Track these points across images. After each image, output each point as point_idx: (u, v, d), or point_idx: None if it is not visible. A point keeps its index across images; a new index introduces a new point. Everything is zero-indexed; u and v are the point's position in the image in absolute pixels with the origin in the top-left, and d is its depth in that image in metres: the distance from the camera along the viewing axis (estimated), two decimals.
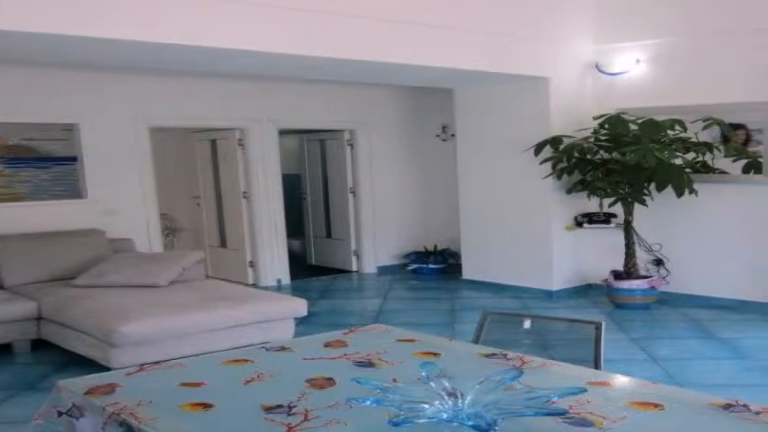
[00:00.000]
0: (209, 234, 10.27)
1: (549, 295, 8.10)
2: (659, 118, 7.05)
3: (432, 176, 10.48)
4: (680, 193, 6.92)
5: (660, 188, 7.05)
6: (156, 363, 2.86)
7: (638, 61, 7.74)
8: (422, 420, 1.81)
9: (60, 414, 2.39)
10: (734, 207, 7.26)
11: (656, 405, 2.11)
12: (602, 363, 2.75)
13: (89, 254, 7.05)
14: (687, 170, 7.08)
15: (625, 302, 7.48)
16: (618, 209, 7.67)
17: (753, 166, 7.10)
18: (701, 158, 7.31)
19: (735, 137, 7.16)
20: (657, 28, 7.59)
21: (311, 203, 11.18)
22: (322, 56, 6.04)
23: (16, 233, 7.11)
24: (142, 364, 2.77)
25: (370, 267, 10.34)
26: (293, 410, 2.11)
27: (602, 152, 7.48)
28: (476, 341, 3.03)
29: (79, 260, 6.94)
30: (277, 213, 9.51)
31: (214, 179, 9.99)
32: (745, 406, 2.04)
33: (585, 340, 2.84)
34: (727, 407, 2.06)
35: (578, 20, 8.05)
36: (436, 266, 9.91)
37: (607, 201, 7.58)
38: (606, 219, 7.93)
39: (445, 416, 1.82)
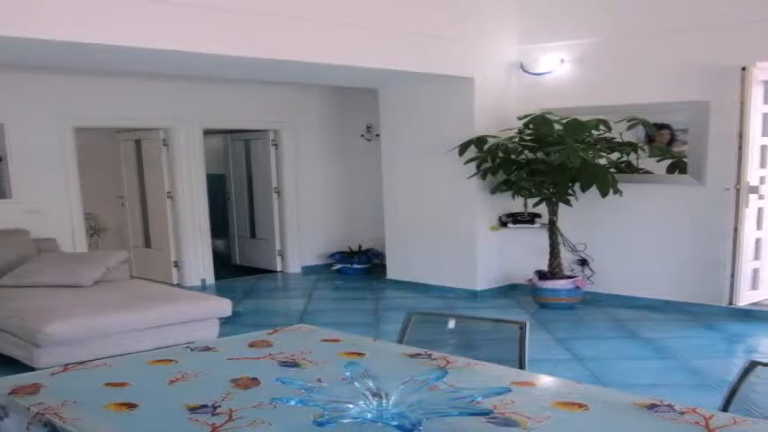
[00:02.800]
0: (133, 234, 10.21)
1: (473, 295, 8.20)
2: (584, 118, 7.19)
3: (356, 176, 10.51)
4: (604, 193, 7.09)
5: (584, 188, 7.21)
6: (81, 363, 2.84)
7: (562, 61, 7.90)
8: (346, 420, 1.82)
9: None
10: (658, 207, 7.46)
11: (580, 405, 2.14)
12: (526, 363, 2.80)
13: (13, 254, 7.02)
14: (611, 170, 7.26)
15: (549, 302, 7.62)
16: (542, 209, 7.82)
17: (677, 166, 7.31)
18: (625, 158, 7.48)
19: (659, 137, 7.36)
20: (581, 28, 7.75)
21: (236, 203, 11.17)
22: (245, 56, 6.03)
23: None
24: (67, 364, 2.75)
25: (294, 267, 10.33)
26: (217, 410, 2.10)
27: (526, 152, 7.60)
28: (400, 341, 3.05)
29: (3, 260, 6.90)
30: (201, 213, 9.49)
31: (138, 179, 9.95)
32: (669, 406, 2.09)
33: (510, 340, 2.88)
34: (652, 407, 2.10)
35: (502, 20, 8.17)
36: (361, 266, 9.95)
37: (531, 201, 7.72)
38: (531, 219, 8.07)
39: (370, 416, 1.82)
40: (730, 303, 7.05)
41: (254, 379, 2.41)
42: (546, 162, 7.30)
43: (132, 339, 5.60)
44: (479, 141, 7.66)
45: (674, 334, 6.56)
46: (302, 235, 10.34)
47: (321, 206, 10.44)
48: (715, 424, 1.95)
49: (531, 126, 7.41)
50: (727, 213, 6.98)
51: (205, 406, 2.14)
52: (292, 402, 1.92)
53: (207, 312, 6.20)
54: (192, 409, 2.12)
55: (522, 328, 2.88)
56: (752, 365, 2.34)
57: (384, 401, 1.86)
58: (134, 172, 9.98)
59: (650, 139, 7.39)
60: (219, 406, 2.13)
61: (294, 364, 2.60)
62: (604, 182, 7.06)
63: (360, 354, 2.73)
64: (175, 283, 9.34)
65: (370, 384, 1.92)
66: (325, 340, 2.99)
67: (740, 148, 6.79)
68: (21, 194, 7.72)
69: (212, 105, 9.31)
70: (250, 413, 2.07)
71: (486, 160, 7.67)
